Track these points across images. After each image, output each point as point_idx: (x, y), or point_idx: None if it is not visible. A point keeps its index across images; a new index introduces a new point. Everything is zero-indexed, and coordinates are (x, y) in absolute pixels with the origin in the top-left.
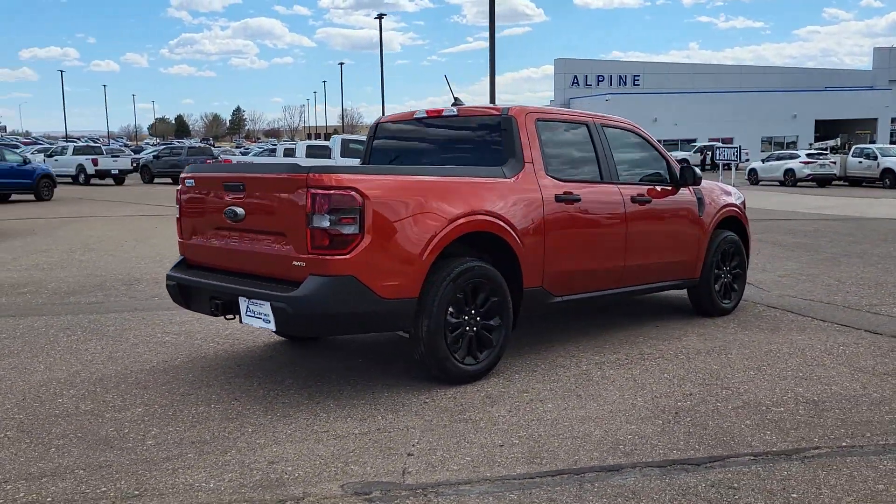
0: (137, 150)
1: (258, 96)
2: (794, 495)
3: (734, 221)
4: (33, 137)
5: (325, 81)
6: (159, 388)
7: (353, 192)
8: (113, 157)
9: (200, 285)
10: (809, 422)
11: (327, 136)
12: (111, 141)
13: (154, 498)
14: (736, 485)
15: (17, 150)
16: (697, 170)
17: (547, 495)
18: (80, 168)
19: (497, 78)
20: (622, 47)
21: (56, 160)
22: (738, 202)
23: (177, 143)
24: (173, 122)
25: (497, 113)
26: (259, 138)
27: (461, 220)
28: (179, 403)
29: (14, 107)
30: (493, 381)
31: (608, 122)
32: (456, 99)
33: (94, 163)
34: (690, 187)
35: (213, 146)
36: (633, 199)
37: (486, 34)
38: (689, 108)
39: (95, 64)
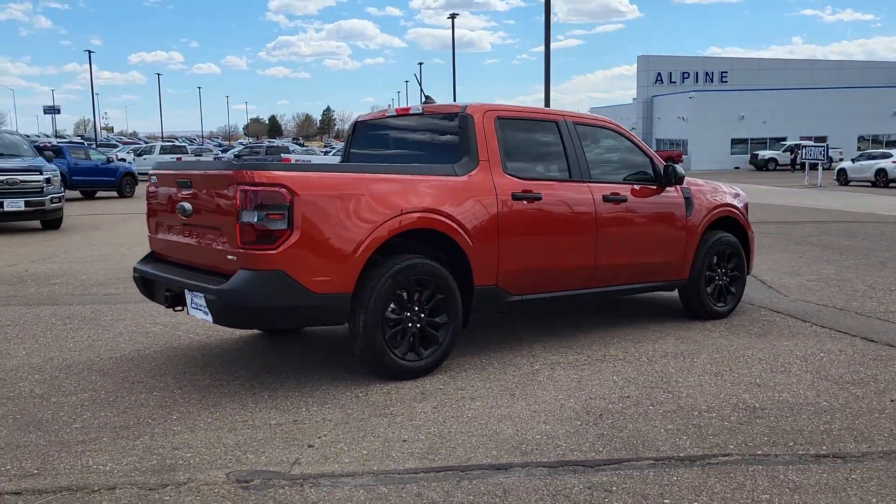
0: (225, 150)
1: (349, 96)
2: (667, 500)
3: (732, 222)
4: (139, 138)
5: (406, 81)
6: (117, 375)
7: (281, 189)
8: (196, 155)
9: (157, 278)
10: (735, 428)
11: None
12: (206, 140)
13: (48, 477)
14: (614, 488)
15: (103, 150)
16: (680, 168)
17: (417, 490)
18: None
19: (589, 76)
20: (719, 43)
21: (144, 158)
22: (736, 203)
23: (253, 142)
24: (267, 122)
25: (456, 111)
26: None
27: (399, 218)
28: (125, 390)
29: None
30: (437, 377)
31: (583, 121)
32: (427, 97)
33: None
34: (678, 187)
35: (303, 145)
36: (606, 199)
37: (579, 31)
38: (779, 106)
39: (197, 67)
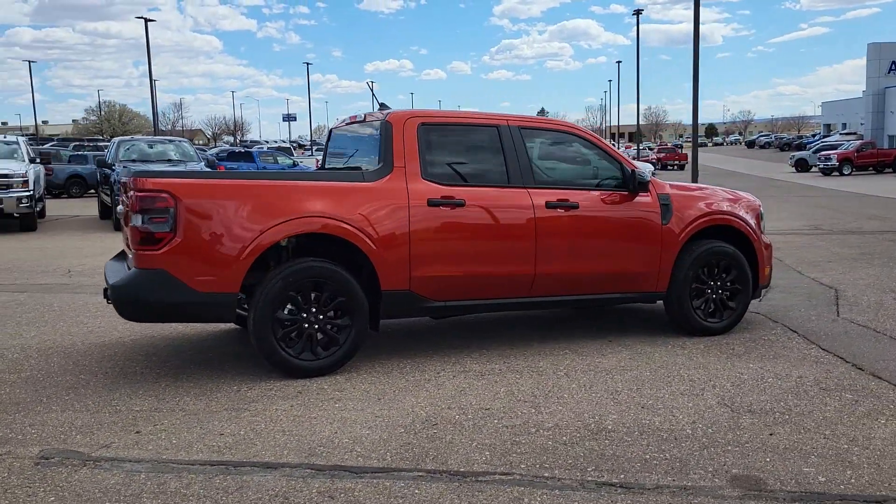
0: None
1: (569, 97)
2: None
3: (732, 232)
4: None
5: (609, 80)
6: (44, 359)
7: (164, 195)
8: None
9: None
10: (553, 449)
11: (631, 137)
12: None
13: None
14: (338, 495)
15: (290, 155)
16: (642, 174)
17: (177, 482)
18: None
19: (836, 67)
20: None
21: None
22: (737, 210)
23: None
24: None
25: (380, 119)
26: None
27: (287, 222)
28: (38, 372)
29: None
30: (334, 377)
31: (534, 125)
32: (381, 104)
33: (317, 163)
34: (655, 193)
35: None
36: (551, 205)
37: (826, 18)
38: None
39: (426, 73)
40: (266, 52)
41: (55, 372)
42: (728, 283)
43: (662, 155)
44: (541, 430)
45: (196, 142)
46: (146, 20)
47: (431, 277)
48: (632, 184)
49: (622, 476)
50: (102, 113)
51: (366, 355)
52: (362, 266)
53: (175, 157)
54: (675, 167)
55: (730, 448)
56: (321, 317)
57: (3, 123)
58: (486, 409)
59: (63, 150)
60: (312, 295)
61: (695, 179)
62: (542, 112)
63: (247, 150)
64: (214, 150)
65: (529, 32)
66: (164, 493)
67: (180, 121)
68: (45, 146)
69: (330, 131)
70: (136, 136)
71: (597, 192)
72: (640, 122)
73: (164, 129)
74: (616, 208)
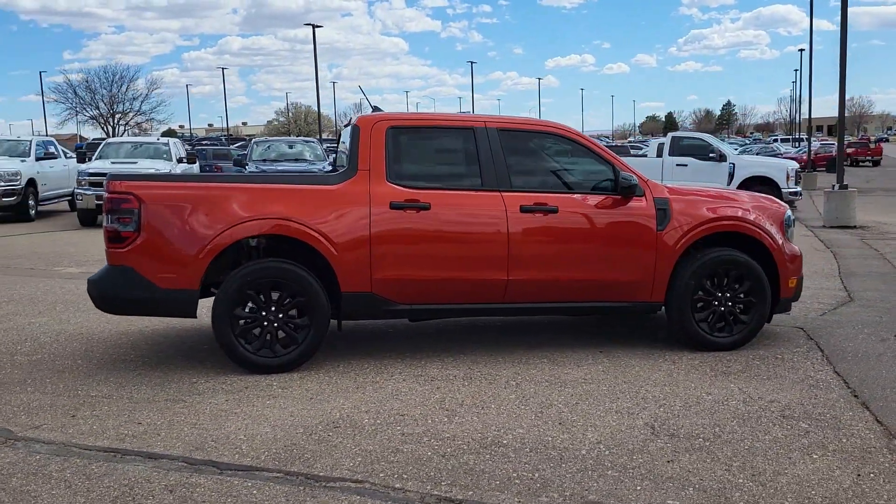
0: None
1: (763, 88)
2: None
3: (747, 239)
4: None
5: (794, 70)
6: (47, 344)
7: (130, 197)
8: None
9: None
10: (425, 459)
11: (830, 130)
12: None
13: None
14: (174, 490)
15: None
16: (629, 178)
17: (60, 465)
18: None
19: None
20: None
21: None
22: (752, 217)
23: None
24: (662, 119)
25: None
26: (751, 133)
27: (242, 224)
28: (39, 356)
29: (537, 112)
30: (284, 376)
31: (515, 127)
32: (374, 107)
33: None
34: (652, 197)
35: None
36: (526, 209)
37: None
38: None
39: (608, 67)
40: (449, 52)
41: (51, 356)
42: (741, 296)
43: (852, 150)
44: (434, 439)
45: None
46: (314, 26)
47: (394, 280)
48: (619, 188)
49: (470, 493)
50: (290, 114)
51: (337, 354)
52: (324, 267)
53: (309, 158)
54: (869, 163)
55: (610, 472)
56: (280, 315)
57: (209, 125)
58: (402, 416)
59: (214, 147)
60: (272, 294)
61: (839, 180)
62: (727, 105)
63: None
64: None
65: (721, 21)
66: (36, 475)
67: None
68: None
69: (339, 132)
70: (273, 137)
71: (581, 196)
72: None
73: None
74: (603, 213)
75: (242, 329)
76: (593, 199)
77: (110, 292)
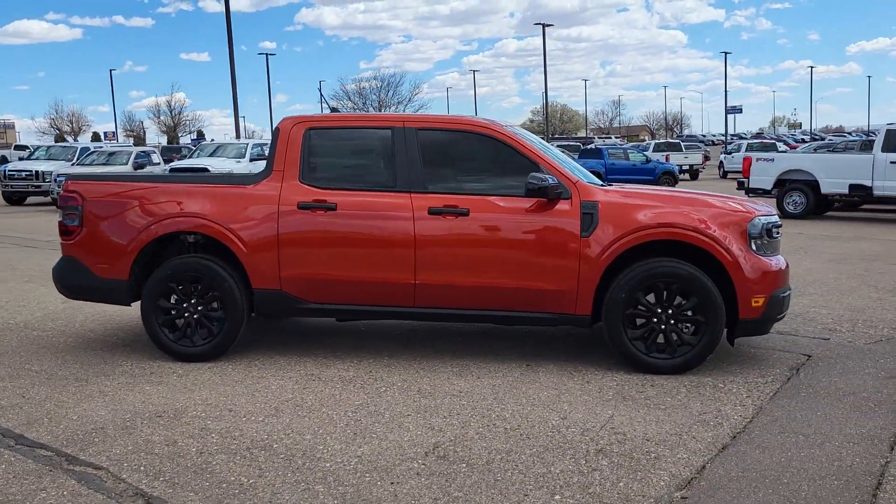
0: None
1: None
2: None
3: (696, 250)
4: (844, 132)
5: None
6: (54, 322)
7: (75, 195)
8: (684, 154)
9: None
10: (167, 455)
11: None
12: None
13: None
14: None
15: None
16: (543, 179)
17: None
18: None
19: None
20: None
21: (732, 157)
22: (697, 223)
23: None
24: None
25: None
26: None
27: (162, 221)
28: (41, 333)
29: (834, 102)
30: (199, 366)
31: (434, 125)
32: (332, 108)
33: (667, 159)
34: (579, 201)
35: None
36: (434, 211)
37: None
38: None
39: None
40: (732, 43)
41: (50, 334)
42: (687, 313)
43: None
44: (222, 437)
45: (641, 139)
46: (543, 26)
47: (302, 279)
48: (525, 189)
49: (170, 492)
50: (546, 113)
51: (270, 348)
52: (239, 264)
53: None
54: None
55: (320, 488)
56: (200, 308)
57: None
58: (229, 411)
59: None
60: (192, 287)
61: None
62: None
63: (596, 147)
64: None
65: None
66: None
67: (617, 118)
68: None
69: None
70: None
71: (498, 199)
72: None
73: (601, 126)
74: (520, 216)
75: (165, 319)
76: (511, 202)
77: (62, 280)
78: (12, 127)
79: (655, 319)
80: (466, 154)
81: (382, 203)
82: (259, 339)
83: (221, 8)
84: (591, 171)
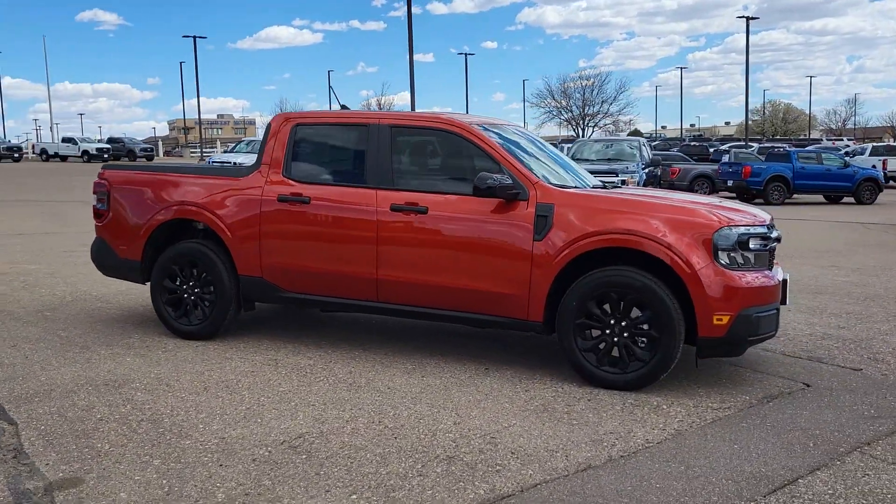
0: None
1: None
2: None
3: (651, 258)
4: None
5: None
6: (72, 302)
7: (104, 182)
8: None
9: None
10: (54, 405)
11: None
12: None
13: None
14: None
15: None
16: (492, 178)
17: None
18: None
19: None
20: None
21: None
22: (653, 230)
23: None
24: None
25: None
26: None
27: (167, 208)
28: (57, 312)
29: None
30: (193, 343)
31: (407, 123)
32: (342, 106)
33: (884, 165)
34: (535, 203)
35: None
36: (396, 208)
37: None
38: None
39: None
40: None
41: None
42: (642, 327)
43: None
44: (123, 404)
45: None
46: (748, 19)
47: (279, 268)
48: (473, 188)
49: (39, 450)
50: (766, 112)
51: (270, 332)
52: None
53: (625, 159)
54: None
55: (163, 465)
56: (196, 290)
57: (691, 125)
58: (168, 385)
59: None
60: (191, 271)
61: None
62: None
63: (785, 150)
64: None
65: None
66: None
67: (852, 118)
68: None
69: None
70: (594, 138)
71: (457, 198)
72: None
73: (831, 127)
74: (476, 216)
75: (169, 298)
76: (472, 202)
77: (95, 258)
78: (252, 123)
79: (608, 331)
80: (434, 151)
81: (351, 198)
82: (270, 323)
83: (447, 10)
84: (772, 176)
